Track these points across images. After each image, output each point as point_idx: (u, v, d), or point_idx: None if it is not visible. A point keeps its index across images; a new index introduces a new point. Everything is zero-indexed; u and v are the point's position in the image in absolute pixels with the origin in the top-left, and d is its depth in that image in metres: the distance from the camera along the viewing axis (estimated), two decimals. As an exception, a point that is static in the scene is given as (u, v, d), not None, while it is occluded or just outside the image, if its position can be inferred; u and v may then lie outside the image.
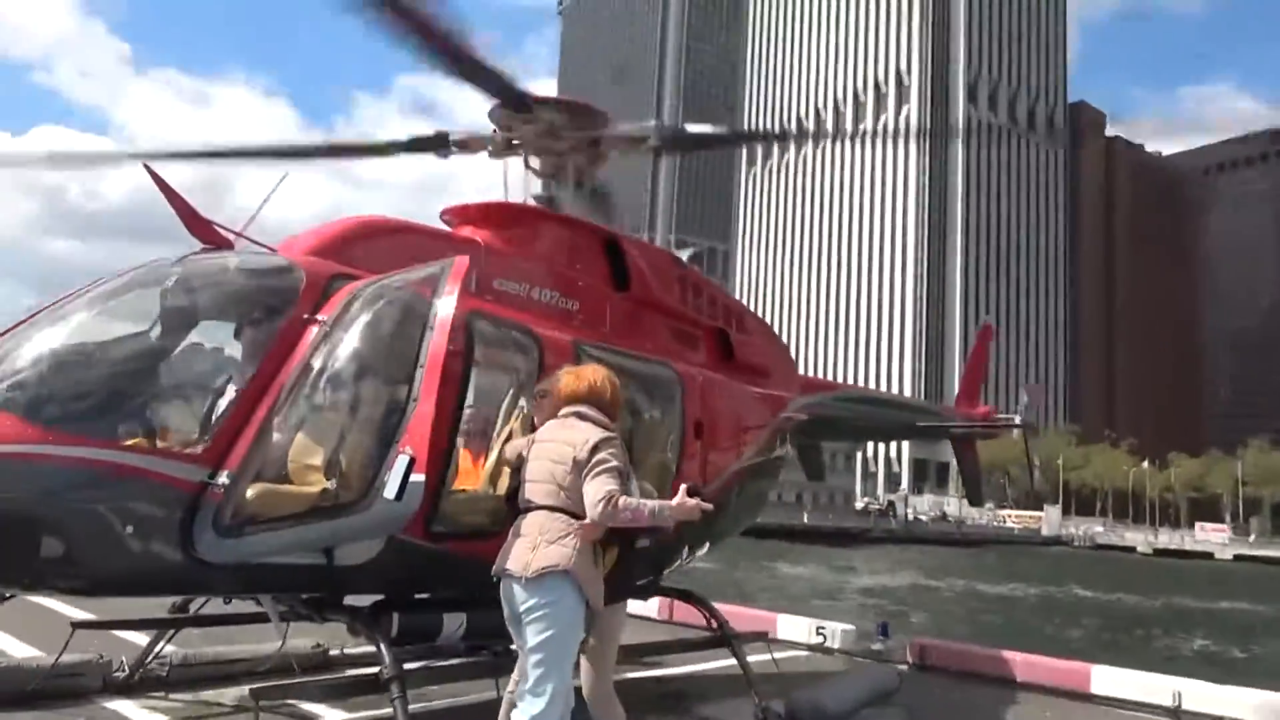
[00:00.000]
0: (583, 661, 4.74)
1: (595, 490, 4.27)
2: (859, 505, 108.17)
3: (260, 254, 5.24)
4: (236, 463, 4.44)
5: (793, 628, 10.41)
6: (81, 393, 4.33)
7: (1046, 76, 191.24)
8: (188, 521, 4.33)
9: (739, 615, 10.68)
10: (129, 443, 4.29)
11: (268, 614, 5.54)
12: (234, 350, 4.86)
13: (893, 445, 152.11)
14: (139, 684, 6.52)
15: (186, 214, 5.26)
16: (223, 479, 4.41)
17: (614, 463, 4.35)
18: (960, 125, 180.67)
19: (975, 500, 15.40)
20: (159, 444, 4.40)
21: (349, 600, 5.26)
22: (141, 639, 6.73)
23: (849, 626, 10.28)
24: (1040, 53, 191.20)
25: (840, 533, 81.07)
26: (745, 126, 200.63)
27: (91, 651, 6.45)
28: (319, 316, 4.79)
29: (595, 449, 4.36)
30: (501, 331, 5.66)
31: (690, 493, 4.49)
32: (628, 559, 4.64)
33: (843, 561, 53.15)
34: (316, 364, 4.67)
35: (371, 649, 5.79)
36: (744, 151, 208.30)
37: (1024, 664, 9.05)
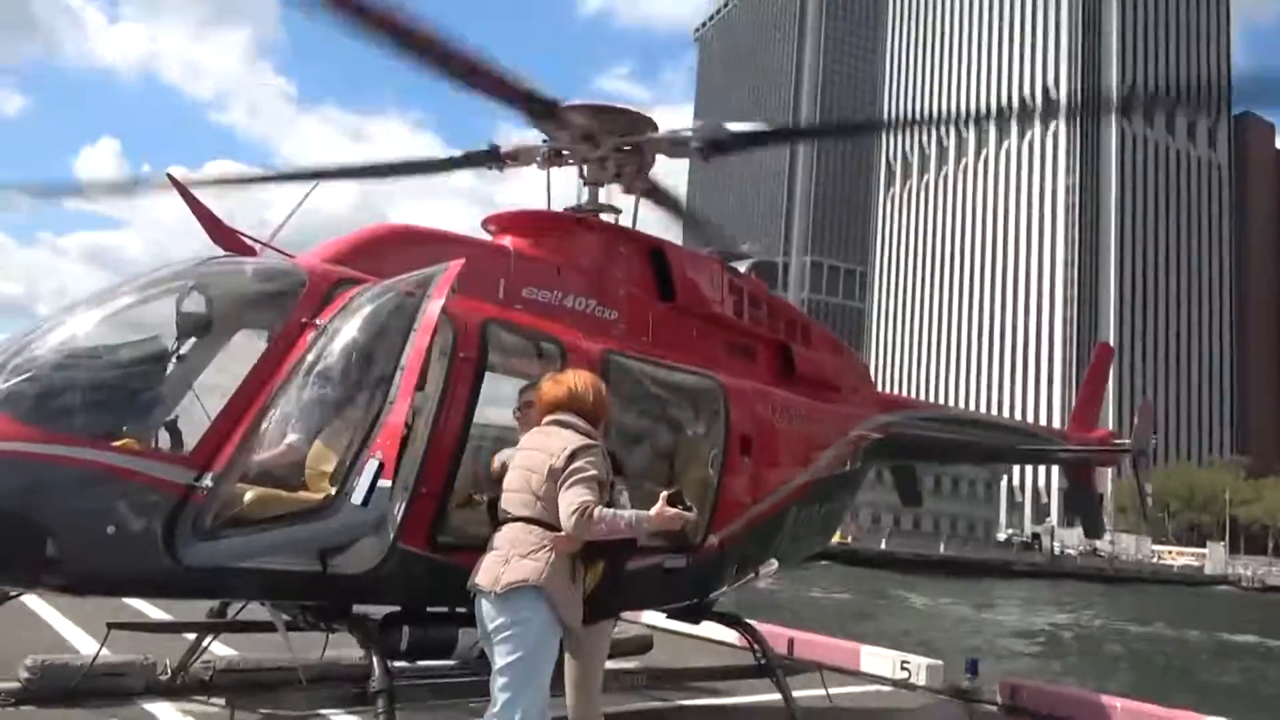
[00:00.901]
0: (568, 685, 4.47)
1: (569, 501, 4.01)
2: (1001, 537, 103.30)
3: (264, 259, 5.23)
4: (220, 465, 4.39)
5: (876, 661, 9.81)
6: (71, 393, 4.38)
7: (1208, 87, 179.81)
8: (171, 523, 4.30)
9: (821, 645, 10.19)
10: (115, 443, 4.30)
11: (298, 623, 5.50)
12: (229, 353, 4.86)
13: (1040, 474, 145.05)
14: (181, 687, 6.61)
15: (209, 222, 5.33)
16: (206, 481, 4.37)
17: (591, 471, 4.08)
18: (1113, 140, 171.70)
19: (1092, 532, 14.32)
20: (146, 445, 4.41)
21: (359, 611, 5.17)
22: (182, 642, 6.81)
23: (936, 662, 9.59)
24: (1201, 61, 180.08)
25: (980, 565, 77.58)
26: (882, 146, 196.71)
27: (137, 652, 6.58)
28: (313, 321, 4.73)
29: (572, 457, 4.10)
30: (504, 336, 5.48)
31: (672, 501, 4.18)
32: (614, 575, 4.33)
33: (979, 596, 50.68)
34: (304, 368, 4.60)
35: (429, 663, 5.73)
36: (883, 171, 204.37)
37: (1126, 712, 8.19)
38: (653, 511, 4.15)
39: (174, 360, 4.73)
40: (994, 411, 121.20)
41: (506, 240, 6.46)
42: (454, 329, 5.14)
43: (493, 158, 7.16)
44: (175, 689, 6.60)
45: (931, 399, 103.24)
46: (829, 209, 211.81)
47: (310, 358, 4.61)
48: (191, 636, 6.64)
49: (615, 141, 6.57)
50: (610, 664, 5.70)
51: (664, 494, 4.22)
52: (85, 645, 7.37)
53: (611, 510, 4.08)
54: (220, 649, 7.01)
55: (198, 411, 4.59)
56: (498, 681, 4.00)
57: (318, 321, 4.72)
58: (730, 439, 6.59)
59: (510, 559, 4.04)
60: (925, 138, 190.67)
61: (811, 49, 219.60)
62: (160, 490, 4.31)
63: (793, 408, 7.50)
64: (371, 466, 4.05)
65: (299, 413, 4.60)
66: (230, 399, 4.57)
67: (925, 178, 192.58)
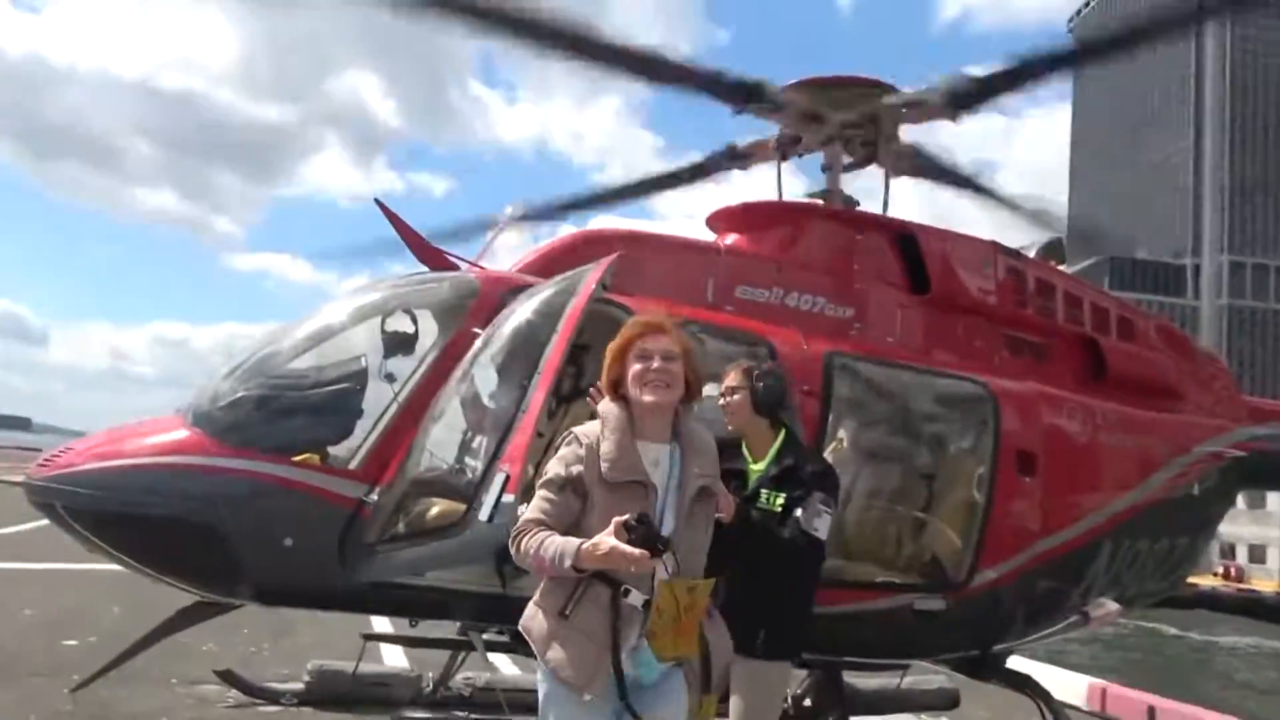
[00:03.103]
0: None
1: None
2: None
3: (435, 274, 5.15)
4: (385, 480, 4.34)
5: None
6: (258, 411, 4.56)
7: None
8: (342, 537, 4.30)
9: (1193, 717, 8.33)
10: (295, 458, 4.39)
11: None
12: (402, 367, 4.81)
13: None
14: (442, 702, 6.74)
15: (415, 244, 5.38)
16: (373, 496, 4.33)
17: (548, 475, 2.96)
18: None
19: None
20: (325, 460, 4.46)
21: None
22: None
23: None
24: None
25: None
26: None
27: (406, 664, 6.83)
28: (479, 330, 4.55)
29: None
30: (697, 339, 4.91)
31: (630, 527, 2.65)
32: (756, 605, 3.59)
33: None
34: (465, 378, 4.45)
35: None
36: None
37: None
38: (589, 542, 2.71)
39: (352, 377, 4.77)
40: None
41: (730, 238, 5.93)
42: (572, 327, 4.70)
43: (733, 158, 6.70)
44: (438, 702, 6.74)
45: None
46: (1252, 198, 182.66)
47: (470, 368, 4.45)
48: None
49: (842, 117, 5.79)
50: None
51: (617, 519, 2.69)
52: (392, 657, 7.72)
53: (541, 539, 2.80)
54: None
55: (372, 427, 4.58)
56: None
57: (482, 331, 4.53)
58: (1002, 455, 5.46)
59: None
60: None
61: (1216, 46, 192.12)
62: (332, 504, 4.33)
63: (1101, 417, 6.13)
64: (498, 480, 3.73)
65: (459, 424, 4.44)
66: (400, 413, 4.53)
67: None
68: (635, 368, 2.99)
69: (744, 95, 5.59)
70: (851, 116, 5.82)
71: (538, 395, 3.88)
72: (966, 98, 5.45)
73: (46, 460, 4.54)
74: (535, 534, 2.81)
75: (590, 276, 4.18)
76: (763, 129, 6.44)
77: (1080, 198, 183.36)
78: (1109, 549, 6.10)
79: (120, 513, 4.26)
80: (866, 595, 5.12)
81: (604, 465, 2.87)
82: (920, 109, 5.69)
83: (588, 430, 2.99)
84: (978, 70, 5.38)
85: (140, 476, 4.27)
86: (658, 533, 2.70)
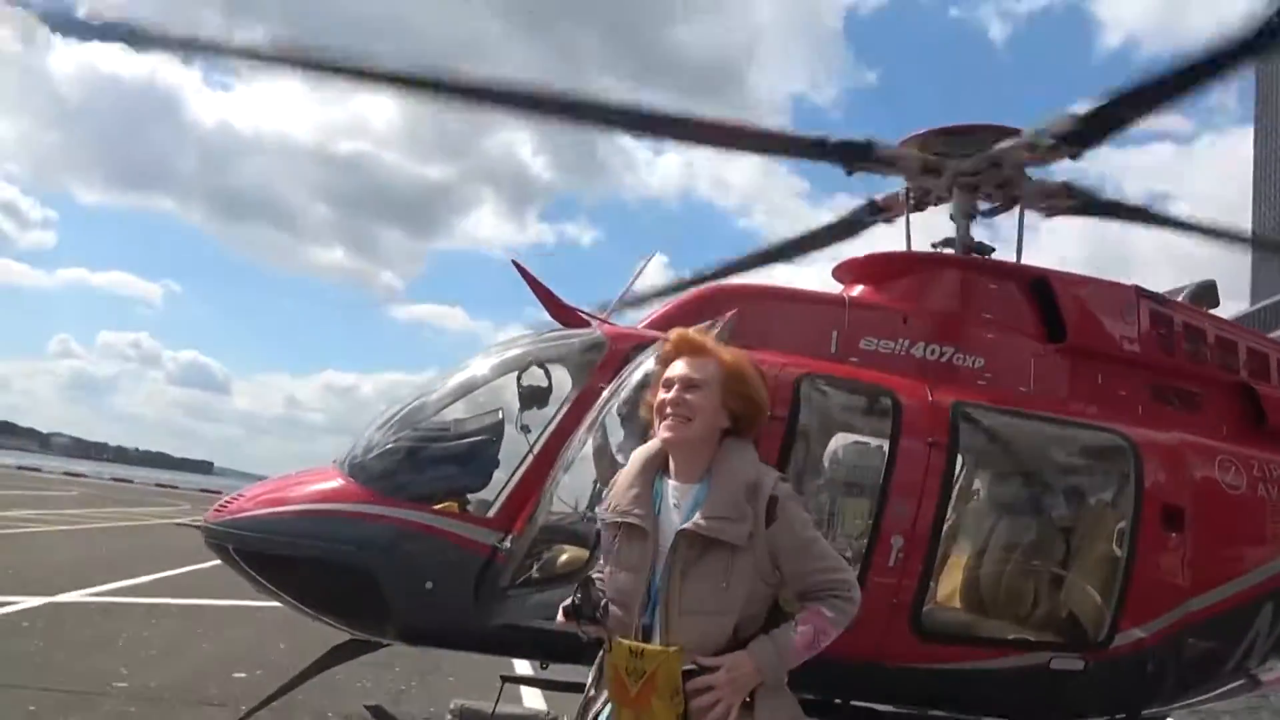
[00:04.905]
0: None
1: None
2: None
3: (574, 330, 5.38)
4: (518, 527, 4.57)
5: None
6: (405, 461, 4.91)
7: None
8: (479, 581, 4.55)
9: None
10: (437, 506, 4.69)
11: None
12: (534, 421, 5.04)
13: None
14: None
15: (549, 301, 5.66)
16: (507, 542, 4.57)
17: None
18: None
19: None
20: (464, 508, 4.75)
21: None
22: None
23: None
24: None
25: None
26: None
27: (544, 706, 7.04)
28: (604, 385, 4.76)
29: None
30: (821, 391, 4.98)
31: (579, 586, 2.66)
32: None
33: None
34: (588, 430, 4.67)
35: None
36: None
37: None
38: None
39: (490, 429, 5.06)
40: None
41: (856, 289, 5.98)
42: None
43: (874, 212, 6.80)
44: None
45: None
46: None
47: (597, 420, 4.67)
48: None
49: (955, 165, 5.77)
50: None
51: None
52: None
53: None
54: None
55: (508, 477, 4.84)
56: None
57: (608, 385, 4.75)
58: (1145, 508, 5.23)
59: None
60: None
61: None
62: (469, 550, 4.60)
63: (1258, 469, 5.78)
64: None
65: (588, 474, 4.66)
66: (532, 463, 4.77)
67: None
68: (658, 398, 2.76)
69: (853, 157, 5.68)
70: (968, 165, 5.80)
71: None
72: (1079, 135, 5.33)
73: (220, 506, 5.01)
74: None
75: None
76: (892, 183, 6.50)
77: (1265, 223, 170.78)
78: (1272, 608, 5.72)
79: (280, 555, 4.65)
80: (998, 652, 4.99)
81: (605, 505, 2.79)
82: (1036, 150, 5.60)
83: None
84: (1085, 105, 5.21)
85: (298, 522, 4.67)
86: (592, 596, 2.61)
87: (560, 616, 2.77)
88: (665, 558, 2.59)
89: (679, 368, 2.74)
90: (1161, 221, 6.67)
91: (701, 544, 2.56)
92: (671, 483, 2.71)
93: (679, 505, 2.64)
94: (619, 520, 2.71)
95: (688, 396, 2.67)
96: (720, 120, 5.38)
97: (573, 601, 2.64)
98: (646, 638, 2.56)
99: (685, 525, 2.58)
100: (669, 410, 2.69)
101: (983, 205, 6.36)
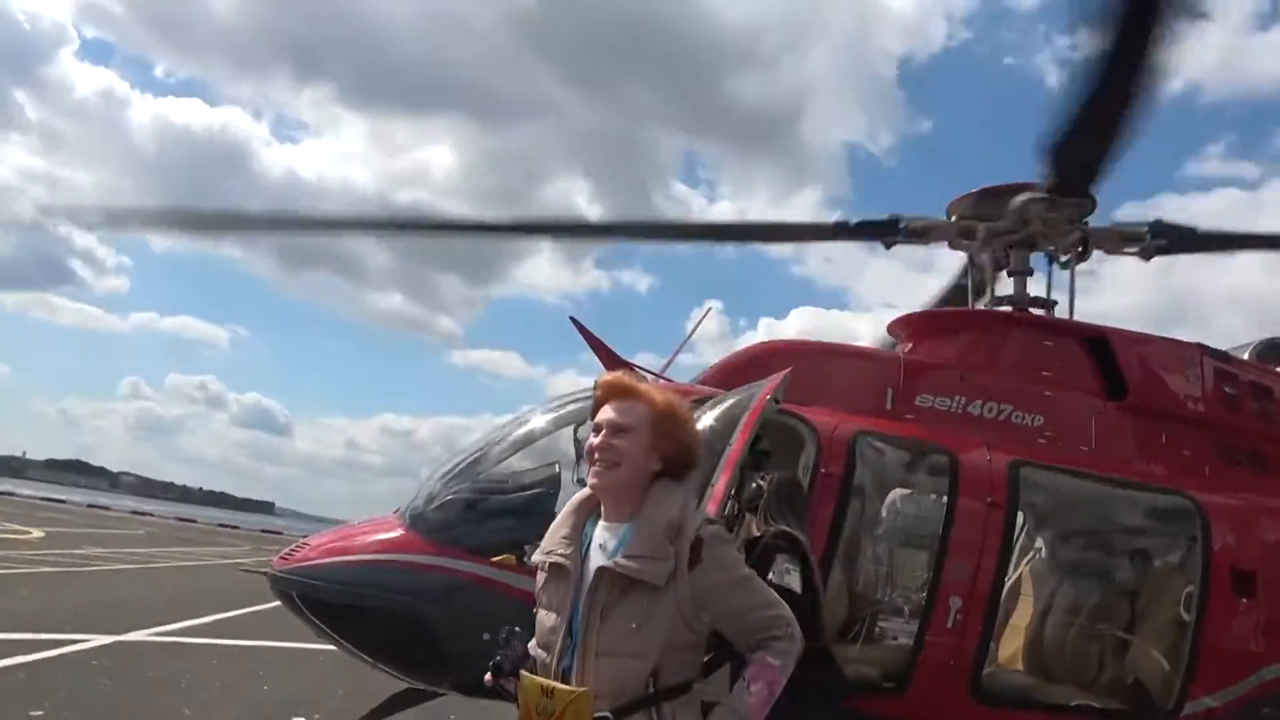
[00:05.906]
0: None
1: None
2: None
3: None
4: None
5: None
6: (463, 514, 4.99)
7: None
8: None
9: None
10: (494, 559, 4.76)
11: None
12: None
13: None
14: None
15: (607, 357, 5.76)
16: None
17: None
18: None
19: None
20: (520, 560, 4.78)
21: None
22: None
23: None
24: None
25: None
26: None
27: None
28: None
29: None
30: (877, 449, 4.96)
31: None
32: None
33: None
34: None
35: None
36: None
37: None
38: None
39: (546, 483, 5.12)
40: None
41: (910, 345, 5.98)
42: (817, 443, 4.84)
43: (891, 230, 6.63)
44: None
45: None
46: None
47: None
48: None
49: (988, 228, 5.78)
50: None
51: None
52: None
53: None
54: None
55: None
56: None
57: None
58: (1213, 573, 5.12)
59: None
60: None
61: None
62: (525, 602, 4.61)
63: None
64: None
65: None
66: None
67: None
68: (587, 443, 2.73)
69: (882, 233, 5.74)
70: (1002, 225, 5.80)
71: (711, 504, 4.06)
72: (1179, 243, 5.32)
73: (286, 555, 5.14)
74: None
75: (764, 390, 4.37)
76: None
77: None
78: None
79: (341, 603, 4.76)
80: (1061, 719, 4.88)
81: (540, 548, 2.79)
82: (1129, 241, 5.61)
83: None
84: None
85: (360, 572, 4.77)
86: (515, 650, 2.70)
87: (488, 676, 2.78)
88: (585, 597, 2.57)
89: (606, 412, 2.72)
90: (1267, 242, 6.41)
91: (622, 585, 2.52)
92: (601, 524, 2.69)
93: (604, 546, 2.62)
94: (545, 561, 2.72)
95: (614, 441, 2.64)
96: (747, 222, 5.53)
97: (496, 658, 2.66)
98: (566, 680, 2.54)
99: (605, 564, 2.55)
100: (595, 455, 2.67)
101: (1063, 257, 6.26)
